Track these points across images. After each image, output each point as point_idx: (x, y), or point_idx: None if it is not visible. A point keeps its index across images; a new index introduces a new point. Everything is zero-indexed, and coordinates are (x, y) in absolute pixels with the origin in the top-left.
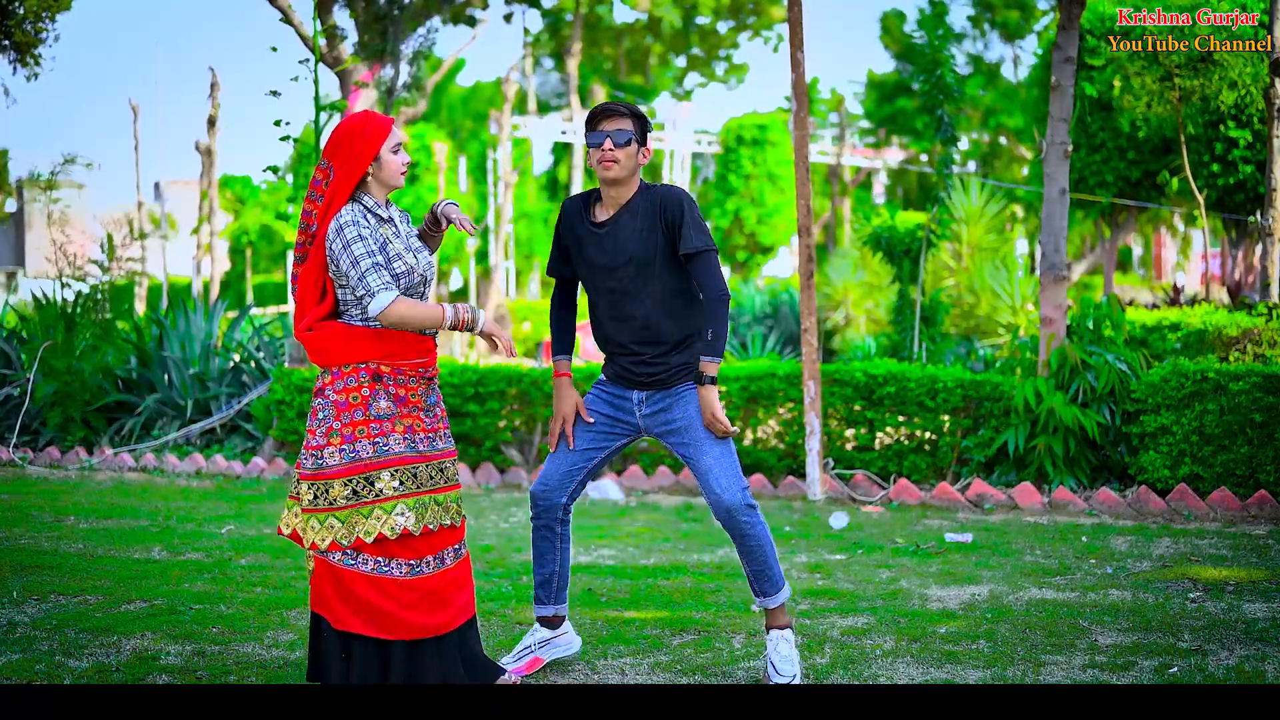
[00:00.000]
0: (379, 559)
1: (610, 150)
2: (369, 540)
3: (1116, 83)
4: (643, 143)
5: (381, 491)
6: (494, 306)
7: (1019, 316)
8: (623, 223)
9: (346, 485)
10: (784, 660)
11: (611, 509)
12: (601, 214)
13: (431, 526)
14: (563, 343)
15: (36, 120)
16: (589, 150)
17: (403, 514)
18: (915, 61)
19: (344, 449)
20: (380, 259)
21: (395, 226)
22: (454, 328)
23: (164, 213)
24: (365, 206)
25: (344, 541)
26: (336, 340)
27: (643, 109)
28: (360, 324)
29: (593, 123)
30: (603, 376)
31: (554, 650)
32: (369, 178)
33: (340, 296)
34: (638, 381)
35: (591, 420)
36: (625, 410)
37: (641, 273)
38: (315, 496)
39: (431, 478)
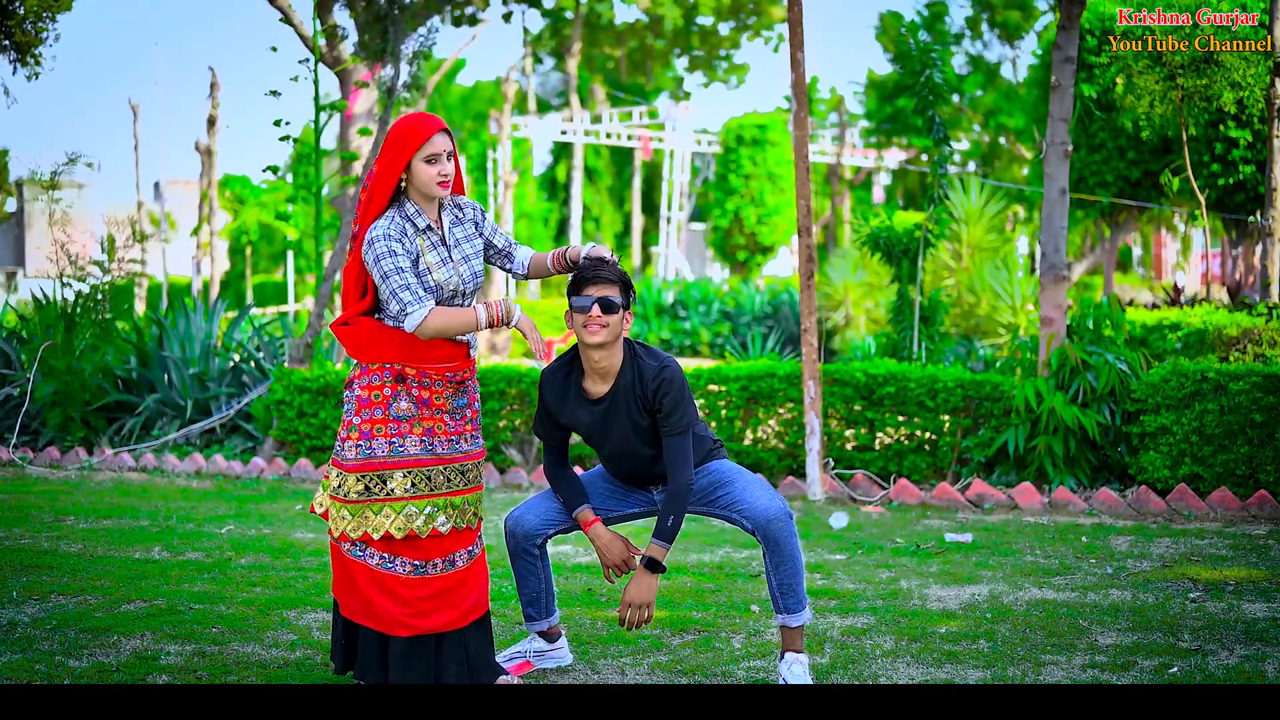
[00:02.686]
0: (384, 555)
1: (598, 316)
2: (376, 537)
3: (1119, 81)
4: (628, 308)
5: (393, 491)
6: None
7: (1019, 316)
8: (618, 401)
9: (360, 480)
10: (797, 680)
11: None
12: (593, 388)
13: (442, 530)
14: (579, 495)
15: (36, 120)
16: (573, 313)
17: (411, 516)
18: (906, 65)
19: (360, 444)
20: (408, 276)
21: (434, 234)
22: (490, 325)
23: (164, 213)
24: (405, 214)
25: (352, 534)
26: (365, 338)
27: (628, 276)
28: (391, 324)
29: (580, 286)
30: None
31: (548, 661)
32: (404, 185)
33: (380, 295)
34: (655, 484)
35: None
36: (643, 489)
37: (646, 437)
38: (338, 485)
39: (449, 480)
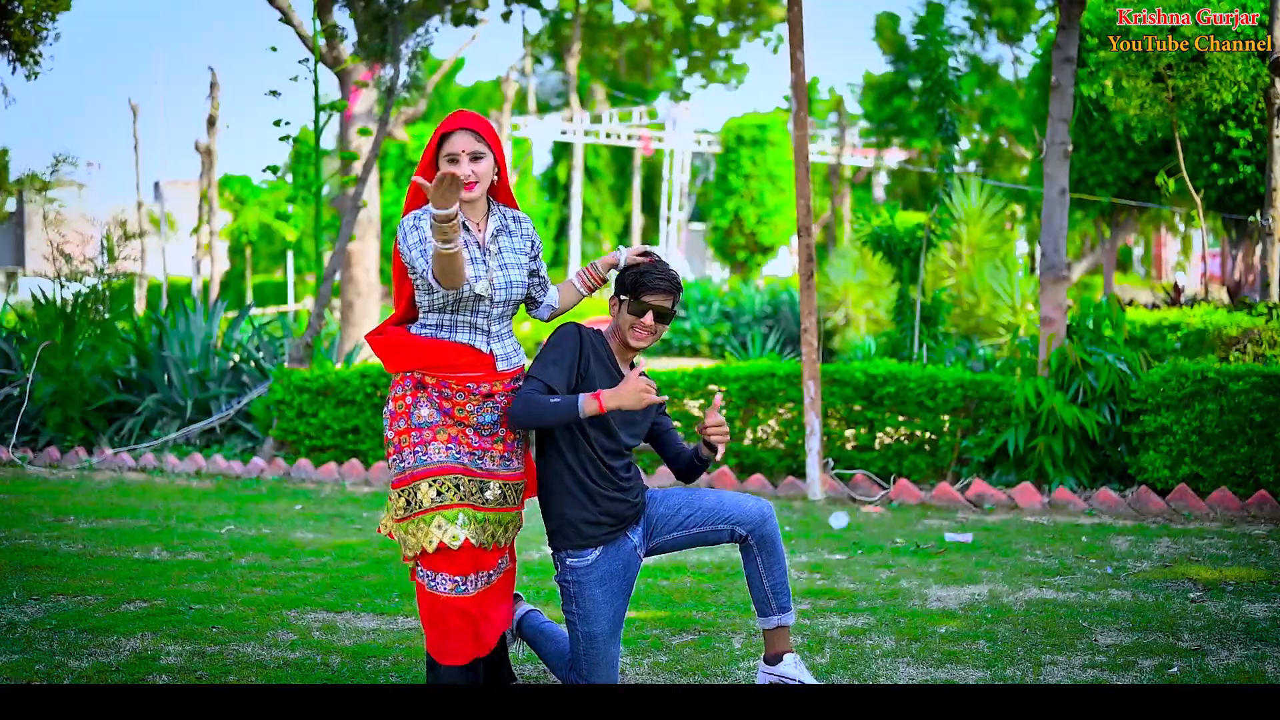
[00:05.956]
0: (428, 572)
1: (651, 325)
2: (414, 553)
3: (1108, 82)
4: (675, 313)
5: (421, 503)
6: None
7: (1019, 316)
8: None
9: (401, 496)
10: (807, 676)
11: None
12: (623, 366)
13: (485, 544)
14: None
15: (36, 120)
16: (625, 313)
17: (440, 527)
18: (915, 60)
19: (394, 459)
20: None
21: (469, 236)
22: (447, 242)
23: (164, 213)
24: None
25: (408, 554)
26: (392, 347)
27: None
28: (415, 331)
29: (639, 290)
30: (590, 555)
31: None
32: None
33: (414, 300)
34: (630, 516)
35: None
36: (629, 550)
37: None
38: (392, 502)
39: (473, 494)
